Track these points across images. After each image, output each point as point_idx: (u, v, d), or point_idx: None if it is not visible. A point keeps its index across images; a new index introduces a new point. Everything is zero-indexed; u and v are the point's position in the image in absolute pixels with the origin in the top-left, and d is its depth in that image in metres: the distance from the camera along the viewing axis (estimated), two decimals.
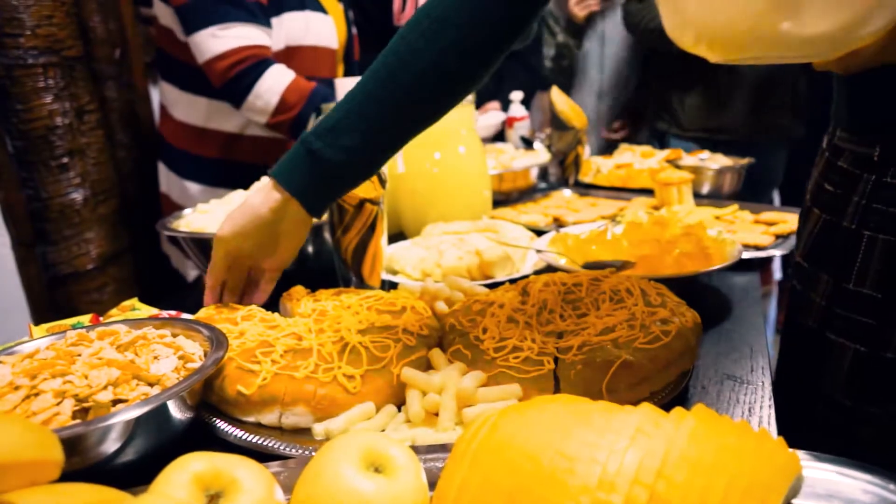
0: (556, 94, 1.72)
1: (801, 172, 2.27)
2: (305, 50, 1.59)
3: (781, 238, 1.22)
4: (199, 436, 0.65)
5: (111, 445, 0.52)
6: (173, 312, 0.93)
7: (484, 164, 1.34)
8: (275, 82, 1.45)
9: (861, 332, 0.78)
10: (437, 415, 0.65)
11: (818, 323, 0.84)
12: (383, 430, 0.64)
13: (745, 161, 1.64)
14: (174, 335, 0.67)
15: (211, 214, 1.10)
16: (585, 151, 1.80)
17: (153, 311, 0.93)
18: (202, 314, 0.81)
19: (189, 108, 1.61)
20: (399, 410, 0.68)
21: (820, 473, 0.53)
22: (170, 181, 1.70)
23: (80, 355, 0.59)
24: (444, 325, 0.80)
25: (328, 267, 1.14)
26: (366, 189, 0.96)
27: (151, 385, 0.57)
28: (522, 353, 0.68)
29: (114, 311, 0.95)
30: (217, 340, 0.65)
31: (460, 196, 1.30)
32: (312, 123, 1.40)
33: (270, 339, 0.73)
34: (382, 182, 0.97)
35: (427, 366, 0.72)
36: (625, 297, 0.79)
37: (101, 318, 0.92)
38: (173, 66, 1.60)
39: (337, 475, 0.44)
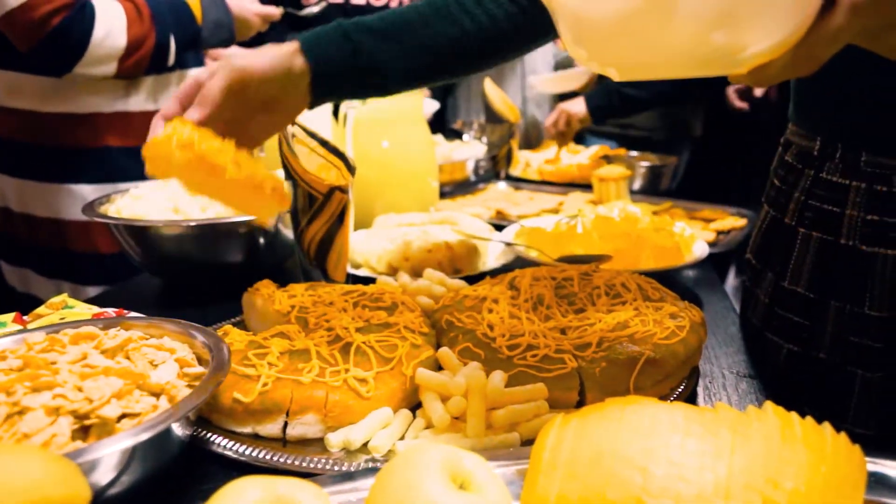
0: (489, 87, 1.70)
1: (704, 170, 2.38)
2: None
3: (723, 234, 1.26)
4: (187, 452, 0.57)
5: (116, 470, 0.44)
6: (114, 310, 0.82)
7: (432, 153, 1.30)
8: (111, 22, 1.21)
9: (794, 332, 0.79)
10: (457, 418, 0.60)
11: (761, 321, 0.85)
12: (402, 438, 0.59)
13: (672, 160, 1.70)
14: (158, 336, 0.58)
15: (145, 200, 0.98)
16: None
17: (92, 308, 0.81)
18: None
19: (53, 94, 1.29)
20: (413, 415, 0.62)
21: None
22: (34, 196, 1.37)
23: (55, 363, 0.49)
24: (437, 322, 0.75)
25: (280, 261, 1.06)
26: (336, 176, 0.89)
27: (156, 396, 0.49)
28: (539, 351, 0.65)
29: (42, 308, 0.82)
30: (212, 342, 0.57)
31: (409, 186, 1.25)
32: None
33: (259, 339, 0.65)
34: (351, 169, 0.90)
35: (436, 366, 0.67)
36: (622, 292, 0.77)
37: (25, 318, 0.80)
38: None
39: (428, 497, 0.38)
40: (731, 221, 1.30)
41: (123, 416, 0.46)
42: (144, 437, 0.43)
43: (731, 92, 2.19)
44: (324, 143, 0.90)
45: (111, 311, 0.80)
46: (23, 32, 1.15)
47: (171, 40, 1.30)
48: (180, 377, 0.51)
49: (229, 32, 1.44)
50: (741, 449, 0.41)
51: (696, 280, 1.02)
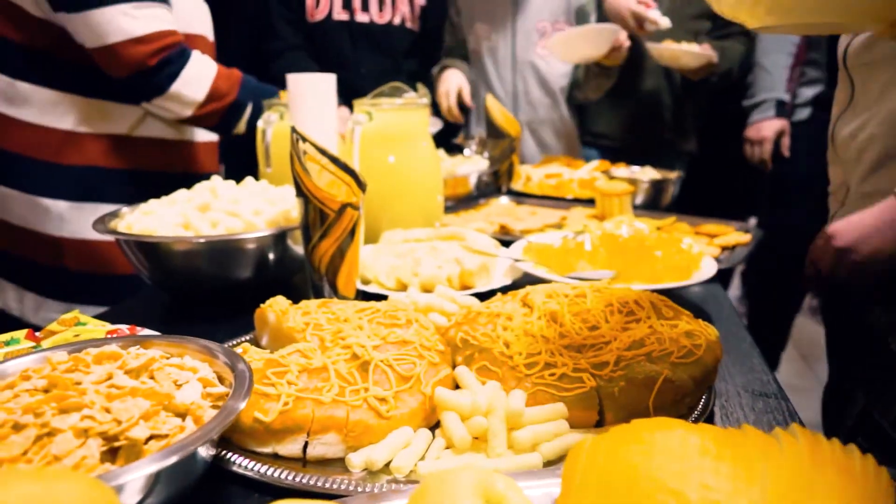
0: (491, 101, 1.70)
1: (700, 185, 2.40)
2: (195, 40, 1.43)
3: (728, 250, 1.27)
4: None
5: (143, 492, 0.43)
6: (127, 327, 0.81)
7: (438, 168, 1.30)
8: (203, 69, 1.32)
9: None
10: (476, 438, 0.60)
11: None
12: (422, 459, 0.59)
13: (674, 174, 1.71)
14: (179, 355, 0.58)
15: (155, 216, 0.97)
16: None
17: (105, 325, 0.81)
18: None
19: (53, 108, 1.30)
20: (432, 434, 0.62)
21: None
22: (11, 204, 1.35)
23: (80, 383, 0.49)
24: (451, 340, 0.75)
25: (288, 277, 1.05)
26: (346, 192, 0.89)
27: (181, 416, 0.48)
28: (557, 370, 0.65)
29: (53, 325, 0.82)
30: (232, 361, 0.57)
31: (415, 201, 1.25)
32: (262, 119, 1.31)
33: (276, 356, 0.65)
34: (362, 186, 0.90)
35: (453, 385, 0.67)
36: (635, 310, 0.77)
37: (37, 334, 0.79)
38: (20, 56, 1.27)
39: None
40: (736, 237, 1.30)
41: (151, 437, 0.45)
42: (175, 459, 0.43)
43: (766, 153, 2.23)
44: (334, 160, 0.90)
45: (124, 328, 0.79)
46: (125, 61, 1.24)
47: (248, 106, 1.40)
48: (204, 397, 0.51)
49: None
50: (773, 472, 0.41)
51: (704, 296, 1.03)
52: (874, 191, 1.03)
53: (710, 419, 0.68)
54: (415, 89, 1.25)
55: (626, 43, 1.98)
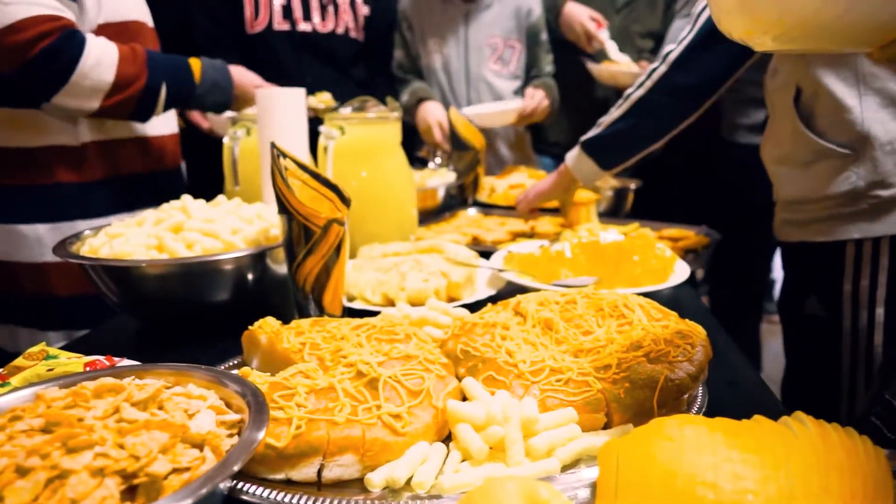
0: (455, 115, 1.71)
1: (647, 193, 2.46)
2: (133, 27, 1.32)
3: (692, 252, 1.30)
4: None
5: None
6: (103, 358, 0.77)
7: (411, 181, 1.30)
8: (102, 54, 1.18)
9: None
10: (491, 448, 0.60)
11: None
12: (441, 473, 0.58)
13: (633, 182, 1.74)
14: (181, 384, 0.55)
15: (124, 238, 0.93)
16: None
17: (82, 357, 0.77)
18: None
19: None
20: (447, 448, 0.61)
21: None
22: None
23: (82, 419, 0.46)
24: (450, 352, 0.75)
25: (266, 297, 1.02)
26: (329, 208, 0.88)
27: (199, 448, 0.46)
28: (563, 376, 0.65)
29: (19, 360, 0.77)
30: (241, 387, 0.55)
31: (389, 214, 1.25)
32: (228, 136, 1.28)
33: (280, 379, 0.63)
34: (346, 201, 0.89)
35: (461, 396, 0.67)
36: (625, 314, 0.78)
37: (1, 371, 0.74)
38: None
39: None
40: (696, 240, 1.34)
41: (171, 471, 0.43)
42: (204, 492, 0.41)
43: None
44: (315, 176, 0.89)
45: (102, 360, 0.75)
46: (5, 55, 1.12)
47: (162, 88, 1.28)
48: (219, 425, 0.49)
49: (226, 97, 1.42)
50: (793, 457, 0.43)
51: (676, 297, 1.05)
52: (794, 199, 1.14)
53: (709, 413, 0.69)
54: (384, 103, 1.25)
55: (542, 105, 2.11)
